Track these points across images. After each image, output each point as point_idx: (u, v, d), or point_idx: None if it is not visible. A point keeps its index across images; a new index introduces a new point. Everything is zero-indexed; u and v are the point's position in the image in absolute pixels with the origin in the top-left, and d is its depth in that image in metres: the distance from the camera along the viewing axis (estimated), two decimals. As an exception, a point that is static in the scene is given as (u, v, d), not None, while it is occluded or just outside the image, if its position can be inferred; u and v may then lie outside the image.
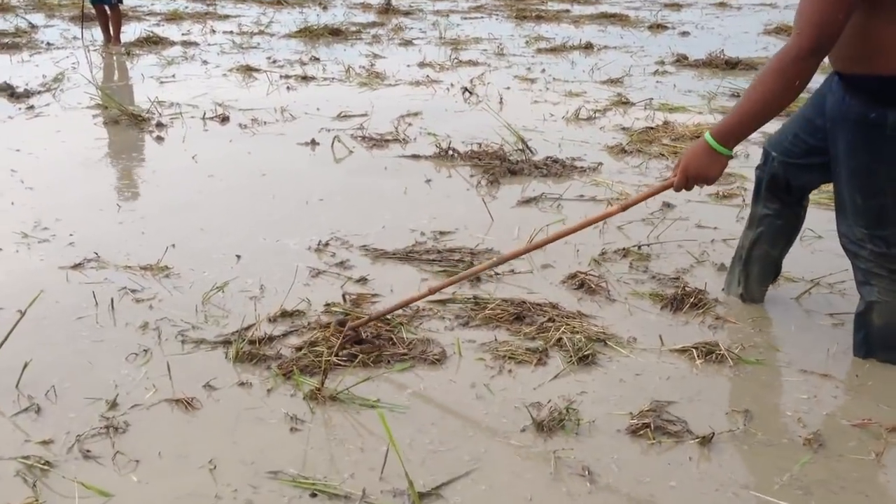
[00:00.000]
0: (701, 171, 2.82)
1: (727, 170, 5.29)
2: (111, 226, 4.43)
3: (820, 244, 4.12)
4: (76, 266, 3.89)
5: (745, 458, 2.54)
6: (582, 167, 5.38)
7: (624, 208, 3.00)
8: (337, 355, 3.00)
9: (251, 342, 3.16)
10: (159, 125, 6.56)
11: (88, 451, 2.57)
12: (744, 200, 4.69)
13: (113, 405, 2.80)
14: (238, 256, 4.00)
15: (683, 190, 2.91)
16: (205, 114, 6.81)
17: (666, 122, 6.35)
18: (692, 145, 2.85)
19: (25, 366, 2.94)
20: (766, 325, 3.33)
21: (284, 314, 3.41)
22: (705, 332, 3.28)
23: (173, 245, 4.11)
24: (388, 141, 6.03)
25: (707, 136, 2.78)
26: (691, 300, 3.46)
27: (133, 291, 3.64)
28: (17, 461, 2.52)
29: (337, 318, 3.27)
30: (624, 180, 5.11)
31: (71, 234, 4.28)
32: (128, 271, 3.85)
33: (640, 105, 7.11)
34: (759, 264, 3.45)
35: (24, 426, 2.70)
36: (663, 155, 5.62)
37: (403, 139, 6.05)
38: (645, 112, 6.85)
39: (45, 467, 2.50)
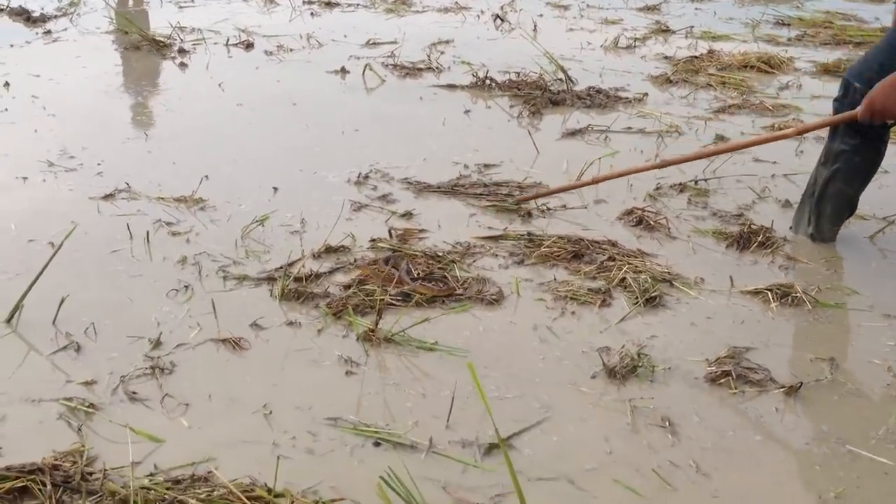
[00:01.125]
0: (889, 104, 2.71)
1: (783, 102, 5.10)
2: (140, 155, 4.24)
3: (888, 179, 3.89)
4: (107, 197, 3.71)
5: (834, 409, 2.38)
6: (626, 98, 5.14)
7: (800, 132, 2.90)
8: (389, 294, 2.82)
9: (297, 279, 2.99)
10: (182, 51, 6.30)
11: (134, 392, 2.43)
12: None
13: (157, 344, 2.65)
14: (275, 189, 3.81)
15: (868, 121, 2.84)
16: (228, 40, 6.54)
17: (711, 51, 6.06)
18: (883, 80, 2.68)
19: (62, 302, 2.78)
20: (841, 266, 3.15)
21: (329, 250, 3.24)
22: (776, 274, 3.10)
23: (206, 176, 3.92)
24: (420, 70, 5.78)
25: None
26: (758, 239, 3.27)
27: (168, 224, 3.47)
28: (60, 403, 2.38)
29: (385, 255, 3.09)
30: (672, 111, 4.87)
31: (99, 164, 4.09)
32: (161, 203, 3.67)
33: (680, 33, 6.81)
34: (832, 202, 3.25)
35: (63, 366, 2.56)
36: (711, 85, 5.37)
37: (437, 68, 5.79)
38: (687, 41, 6.56)
39: (90, 410, 2.36)
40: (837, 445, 2.24)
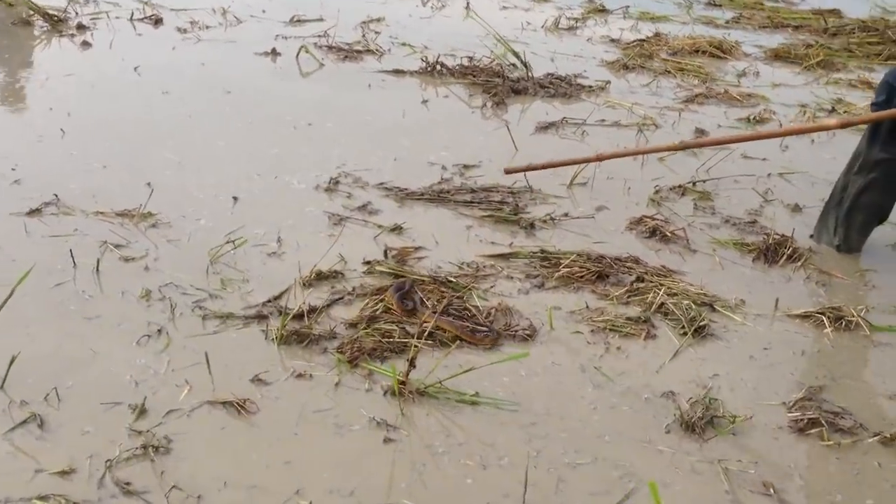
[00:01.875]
0: None
1: (747, 91, 4.92)
2: (62, 157, 3.64)
3: None
4: (33, 212, 3.13)
5: (941, 459, 2.14)
6: (588, 86, 4.83)
7: (843, 125, 2.84)
8: (419, 338, 2.42)
9: (294, 317, 2.54)
10: (81, 27, 5.58)
11: (127, 483, 1.96)
12: (780, 124, 4.28)
13: (141, 412, 2.17)
14: (235, 199, 3.32)
15: None
16: (132, 14, 5.84)
17: (657, 35, 5.83)
18: None
19: (12, 361, 2.25)
20: (879, 281, 2.95)
21: (320, 276, 2.79)
22: (815, 291, 2.87)
23: (149, 184, 3.38)
24: (359, 52, 5.29)
25: None
26: (785, 251, 3.02)
27: (117, 247, 2.94)
28: (34, 503, 1.88)
29: (398, 285, 2.67)
30: (639, 101, 4.60)
31: (13, 168, 3.47)
32: (102, 219, 3.12)
33: (617, 13, 6.55)
34: (865, 213, 3.04)
35: (27, 448, 2.05)
36: (669, 72, 5.13)
37: (377, 50, 5.32)
38: (627, 21, 6.31)
39: (76, 512, 1.87)
40: (958, 506, 2.01)
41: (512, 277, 2.86)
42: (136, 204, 3.19)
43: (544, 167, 3.29)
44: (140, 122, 4.03)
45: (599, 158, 3.15)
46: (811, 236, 3.20)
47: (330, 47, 5.33)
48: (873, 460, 2.13)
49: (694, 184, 3.60)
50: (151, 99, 4.36)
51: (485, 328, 2.51)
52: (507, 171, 3.24)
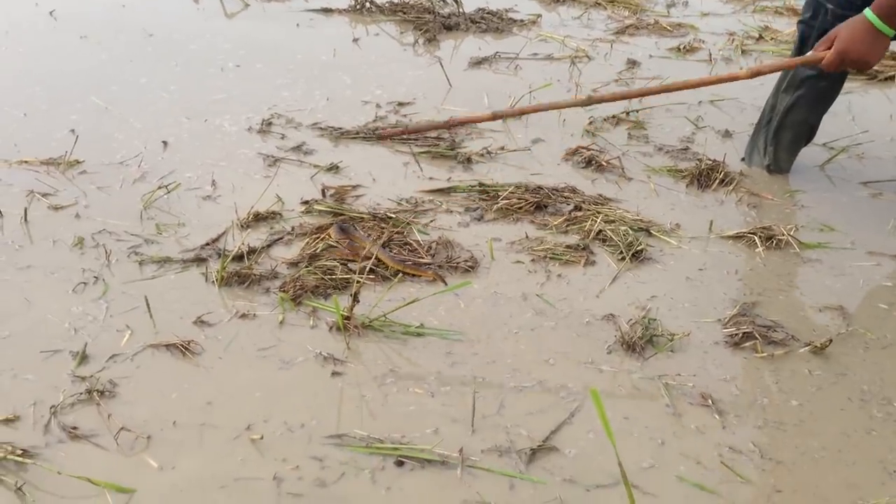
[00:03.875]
0: (862, 54, 2.52)
1: (676, 21, 4.95)
2: (-21, 107, 3.50)
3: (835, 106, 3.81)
4: (-47, 164, 3.02)
5: (868, 365, 2.24)
6: (520, 20, 4.82)
7: (754, 75, 2.74)
8: (361, 273, 2.42)
9: (234, 259, 2.52)
10: (-11, -28, 5.32)
11: (74, 428, 1.93)
12: (710, 55, 4.34)
13: (83, 359, 2.14)
14: (164, 143, 3.25)
15: (832, 70, 2.64)
16: (44, -42, 5.59)
17: (585, -34, 5.79)
18: (849, 23, 2.46)
19: (-56, 314, 2.19)
20: (808, 201, 3.03)
21: (258, 217, 2.76)
22: (746, 212, 2.94)
23: (73, 131, 3.28)
24: (284, -10, 5.16)
25: (868, 13, 2.38)
26: (718, 175, 3.09)
27: (45, 196, 2.86)
28: (-22, 454, 1.85)
29: (339, 223, 2.66)
30: (572, 34, 4.60)
31: (-72, 121, 3.33)
32: (27, 168, 3.03)
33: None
34: (793, 131, 3.11)
35: (-35, 400, 2.00)
36: (600, 4, 5.13)
37: (303, -12, 5.20)
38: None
39: (23, 459, 1.84)
40: (885, 405, 2.10)
41: (451, 211, 2.87)
42: (61, 152, 3.10)
43: (421, 129, 3.27)
44: (59, 68, 3.90)
45: (495, 117, 3.08)
46: (742, 159, 3.26)
47: (254, -14, 5.19)
48: (804, 368, 2.21)
49: (627, 114, 3.63)
50: (69, 44, 4.21)
51: (427, 263, 2.51)
52: (381, 137, 3.23)
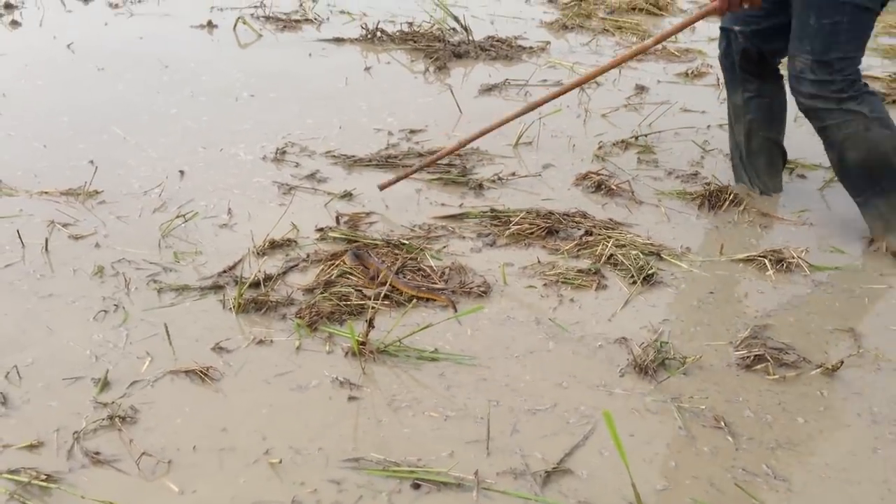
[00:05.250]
0: None
1: (684, 46, 5.01)
2: (0, 139, 3.57)
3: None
4: (-26, 195, 3.09)
5: (878, 387, 2.26)
6: (529, 47, 4.88)
7: (659, 40, 2.95)
8: (376, 299, 2.46)
9: (251, 286, 2.56)
10: (8, 6, 5.47)
11: (97, 453, 1.97)
12: (718, 80, 4.38)
13: (104, 385, 2.17)
14: (181, 172, 3.30)
15: (727, 9, 2.73)
16: (61, -9, 5.72)
17: (593, -7, 5.89)
18: None
19: (-31, 342, 2.23)
20: (816, 220, 3.07)
21: (273, 245, 2.81)
22: (756, 234, 2.98)
23: (92, 161, 3.34)
24: (297, 21, 5.27)
25: None
26: (728, 197, 3.12)
27: (65, 226, 2.91)
28: (4, 478, 1.88)
29: (354, 249, 2.70)
30: (580, 60, 4.66)
31: (-49, 153, 3.41)
32: (47, 198, 3.09)
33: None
34: (763, 155, 3.18)
35: (-9, 426, 2.04)
36: (608, 30, 5.20)
37: (315, 19, 5.30)
38: (561, -20, 6.35)
39: (47, 484, 1.88)
40: (892, 427, 2.12)
41: (464, 237, 2.91)
42: (80, 182, 3.16)
43: (413, 172, 3.19)
44: (77, 100, 3.97)
45: (462, 144, 3.14)
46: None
47: (267, 17, 5.30)
48: (816, 390, 2.23)
49: (636, 138, 3.68)
50: (87, 76, 4.30)
51: (441, 288, 2.55)
52: (381, 187, 3.13)
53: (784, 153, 3.25)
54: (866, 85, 2.78)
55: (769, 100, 3.12)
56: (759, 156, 3.19)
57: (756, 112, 3.12)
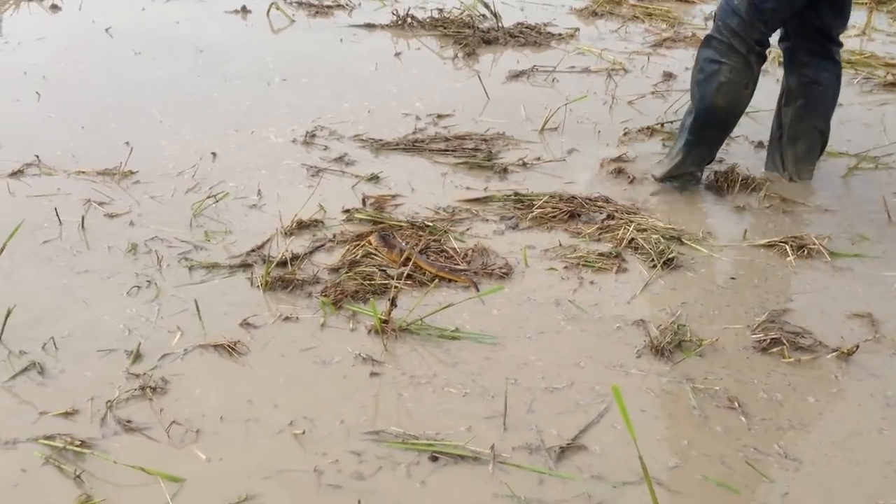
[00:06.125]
0: None
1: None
2: (40, 119, 3.68)
3: (846, 113, 3.85)
4: (15, 173, 3.19)
5: (894, 371, 2.28)
6: (558, 34, 4.90)
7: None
8: (399, 279, 2.52)
9: (278, 265, 2.63)
10: (47, -9, 5.56)
11: (129, 421, 2.05)
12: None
13: (136, 357, 2.26)
14: (214, 154, 3.38)
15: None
16: (100, -23, 5.81)
17: (625, -20, 5.87)
18: None
19: (9, 314, 2.33)
20: (839, 207, 3.07)
21: (301, 225, 2.88)
22: (778, 220, 3.00)
23: (127, 143, 3.43)
24: (329, 7, 5.33)
25: None
26: (751, 185, 3.14)
27: (101, 204, 3.00)
28: (40, 443, 1.97)
29: (379, 231, 2.77)
30: (609, 47, 4.68)
31: (-8, 133, 3.52)
32: (83, 178, 3.18)
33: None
34: (805, 141, 3.18)
35: (28, 394, 2.14)
36: (637, 17, 5.20)
37: (347, 5, 5.36)
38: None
39: (81, 449, 1.96)
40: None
41: (487, 220, 2.96)
42: (116, 163, 3.25)
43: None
44: (114, 83, 4.07)
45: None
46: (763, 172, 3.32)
47: (300, 3, 5.36)
48: (830, 373, 2.26)
49: (662, 125, 3.70)
50: (124, 60, 4.39)
51: (463, 269, 2.61)
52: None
53: (825, 143, 3.26)
54: None
55: (823, 88, 3.13)
56: (801, 142, 3.20)
57: (808, 99, 3.12)
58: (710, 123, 3.00)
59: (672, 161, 3.08)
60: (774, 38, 3.08)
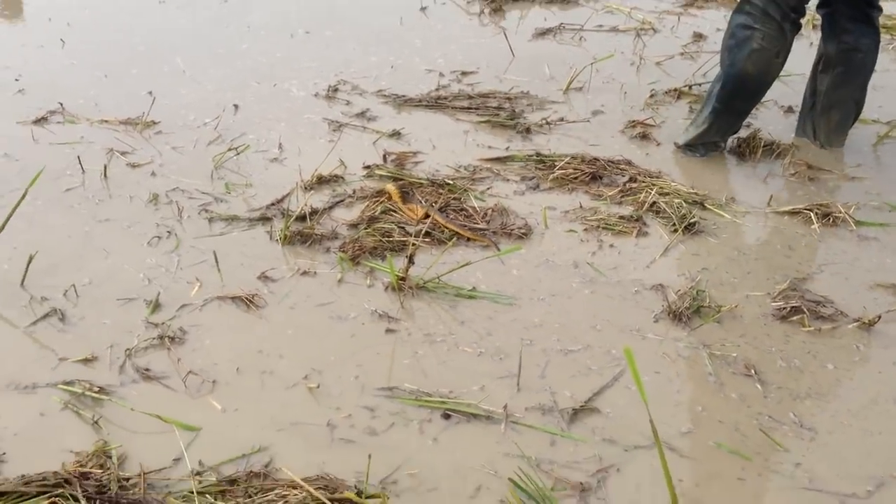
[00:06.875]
0: None
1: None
2: (63, 66, 3.68)
3: (879, 80, 3.76)
4: (39, 121, 3.20)
5: (916, 342, 2.26)
6: (588, -9, 4.81)
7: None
8: (417, 236, 2.51)
9: (298, 219, 2.63)
10: (74, -62, 5.51)
11: (147, 369, 2.07)
12: (778, 30, 4.27)
13: (155, 306, 2.28)
14: (236, 106, 3.38)
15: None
16: (126, -76, 5.76)
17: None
18: None
19: (31, 260, 2.35)
20: (866, 175, 3.02)
21: (321, 180, 2.87)
22: (804, 187, 2.95)
23: (150, 92, 3.43)
24: (355, -41, 5.23)
25: None
26: (777, 150, 3.09)
27: (123, 154, 3.01)
28: (60, 388, 2.00)
29: (401, 186, 2.75)
30: (639, 6, 4.59)
31: (17, 79, 3.53)
32: (106, 127, 3.19)
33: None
34: (839, 110, 3.11)
35: (49, 340, 2.16)
36: (669, -24, 5.07)
37: (373, -43, 5.26)
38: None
39: (99, 395, 1.99)
40: (929, 384, 2.13)
41: (508, 179, 2.94)
42: (138, 112, 3.25)
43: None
44: (137, 32, 4.05)
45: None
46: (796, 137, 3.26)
47: (325, -45, 5.27)
48: (852, 343, 2.24)
49: (690, 87, 3.64)
50: (148, 8, 4.37)
51: (483, 229, 2.59)
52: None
53: (859, 112, 3.20)
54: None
55: (863, 55, 3.05)
56: (835, 111, 3.14)
57: (847, 66, 3.06)
58: (738, 91, 2.94)
59: (697, 129, 3.04)
60: (811, 5, 3.01)
